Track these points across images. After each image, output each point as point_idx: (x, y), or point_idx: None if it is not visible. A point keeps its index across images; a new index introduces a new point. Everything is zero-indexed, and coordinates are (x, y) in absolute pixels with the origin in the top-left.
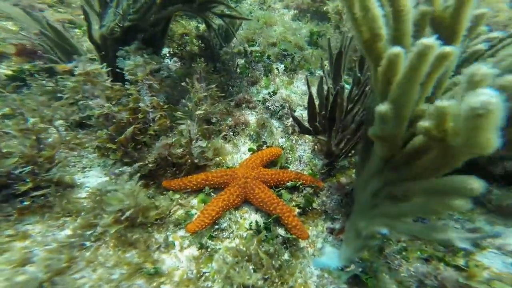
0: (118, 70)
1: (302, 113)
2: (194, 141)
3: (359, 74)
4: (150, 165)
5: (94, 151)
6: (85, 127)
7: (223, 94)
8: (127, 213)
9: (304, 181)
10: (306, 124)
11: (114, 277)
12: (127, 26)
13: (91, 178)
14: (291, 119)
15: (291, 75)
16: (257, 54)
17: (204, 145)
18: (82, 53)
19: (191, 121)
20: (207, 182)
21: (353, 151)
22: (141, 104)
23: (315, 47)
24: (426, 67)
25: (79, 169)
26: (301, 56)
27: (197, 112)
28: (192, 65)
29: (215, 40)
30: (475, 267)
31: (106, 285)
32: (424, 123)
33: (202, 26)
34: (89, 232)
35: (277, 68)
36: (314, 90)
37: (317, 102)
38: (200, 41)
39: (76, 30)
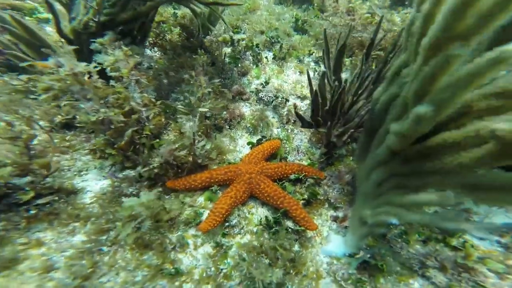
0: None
1: (295, 102)
2: (197, 141)
3: (364, 67)
4: (156, 170)
5: (89, 152)
6: (71, 127)
7: (224, 89)
8: (146, 225)
9: (306, 173)
10: (306, 118)
11: (138, 279)
12: (104, 21)
13: (90, 182)
14: (285, 108)
15: (280, 64)
16: (247, 43)
17: (208, 147)
18: (53, 48)
19: (192, 119)
20: (211, 180)
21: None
22: (132, 103)
23: (301, 33)
24: (494, 74)
25: (75, 173)
26: (289, 43)
27: (201, 109)
28: (194, 56)
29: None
30: (471, 247)
31: (132, 287)
32: (502, 125)
33: (180, 13)
34: (104, 237)
35: (266, 57)
36: (304, 78)
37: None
38: (181, 30)
39: (26, 18)
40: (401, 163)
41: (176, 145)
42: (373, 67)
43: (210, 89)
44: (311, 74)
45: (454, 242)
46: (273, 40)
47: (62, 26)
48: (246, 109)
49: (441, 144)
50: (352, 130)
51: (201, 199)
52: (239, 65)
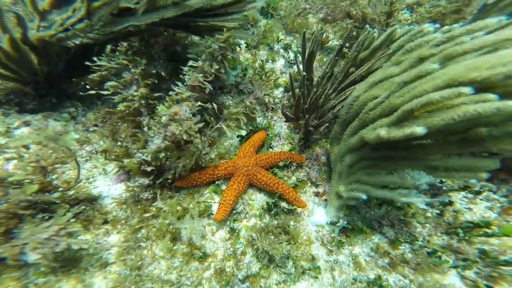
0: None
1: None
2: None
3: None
4: (169, 180)
5: (89, 160)
6: None
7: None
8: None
9: (291, 159)
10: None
11: (176, 265)
12: (86, 43)
13: (103, 188)
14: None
15: (253, 52)
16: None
17: (213, 156)
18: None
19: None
20: (214, 176)
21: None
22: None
23: (268, 17)
24: None
25: (84, 181)
26: (260, 30)
27: (225, 128)
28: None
29: None
30: (408, 207)
31: (174, 271)
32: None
33: None
34: (139, 235)
35: (239, 45)
36: (276, 65)
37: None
38: None
39: None
40: (371, 150)
41: (187, 161)
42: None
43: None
44: (282, 62)
45: (399, 203)
46: (244, 28)
47: (29, 34)
48: (229, 102)
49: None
50: (327, 124)
51: (207, 193)
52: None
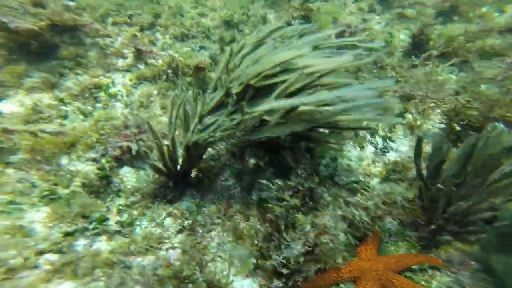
0: None
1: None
2: None
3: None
4: (299, 282)
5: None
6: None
7: None
8: None
9: (427, 262)
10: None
11: None
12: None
13: (237, 283)
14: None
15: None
16: None
17: (339, 260)
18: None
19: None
20: (338, 279)
21: None
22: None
23: None
24: None
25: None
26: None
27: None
28: None
29: None
30: None
31: None
32: None
33: None
34: None
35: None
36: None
37: None
38: None
39: (101, 93)
40: None
41: (318, 265)
42: None
43: None
44: (371, 149)
45: None
46: None
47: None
48: (325, 194)
49: None
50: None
51: None
52: None
